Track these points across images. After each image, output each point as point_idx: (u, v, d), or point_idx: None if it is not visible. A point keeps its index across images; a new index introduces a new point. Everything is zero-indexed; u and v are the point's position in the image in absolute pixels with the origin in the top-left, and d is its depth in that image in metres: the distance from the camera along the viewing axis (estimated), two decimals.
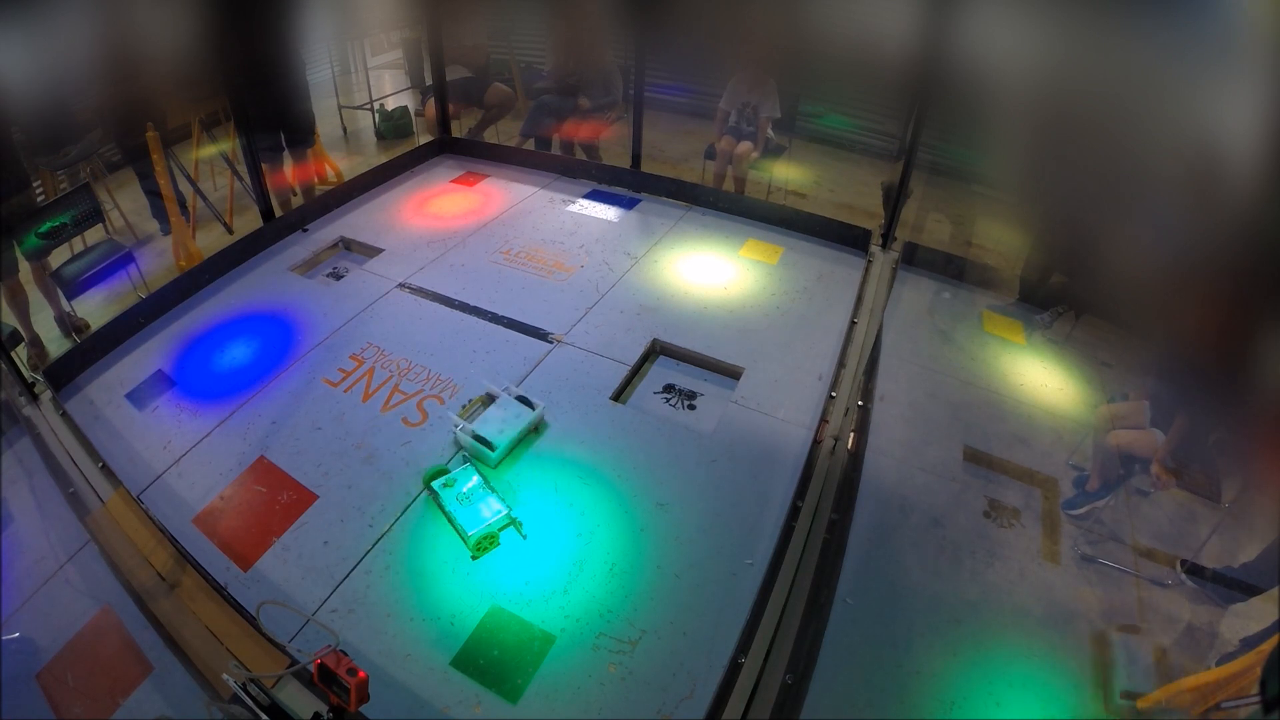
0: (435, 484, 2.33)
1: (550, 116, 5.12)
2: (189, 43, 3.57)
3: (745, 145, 4.58)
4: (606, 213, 4.24)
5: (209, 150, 4.96)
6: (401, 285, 3.49)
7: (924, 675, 1.93)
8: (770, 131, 4.63)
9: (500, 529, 2.23)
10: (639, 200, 4.41)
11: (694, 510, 2.34)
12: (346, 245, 3.93)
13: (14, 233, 3.41)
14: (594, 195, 4.45)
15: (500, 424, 2.53)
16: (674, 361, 3.10)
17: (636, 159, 4.47)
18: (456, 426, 2.52)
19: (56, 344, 3.62)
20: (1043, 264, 3.53)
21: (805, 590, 2.05)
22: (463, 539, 2.19)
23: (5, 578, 2.12)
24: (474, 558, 2.17)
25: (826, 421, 2.66)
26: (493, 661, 1.91)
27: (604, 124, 5.12)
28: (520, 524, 2.26)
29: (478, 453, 2.47)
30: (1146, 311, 2.61)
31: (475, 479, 2.34)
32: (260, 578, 2.12)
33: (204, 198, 4.66)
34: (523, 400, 2.63)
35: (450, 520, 2.25)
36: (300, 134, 4.65)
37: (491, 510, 2.24)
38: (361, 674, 1.42)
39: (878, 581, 2.17)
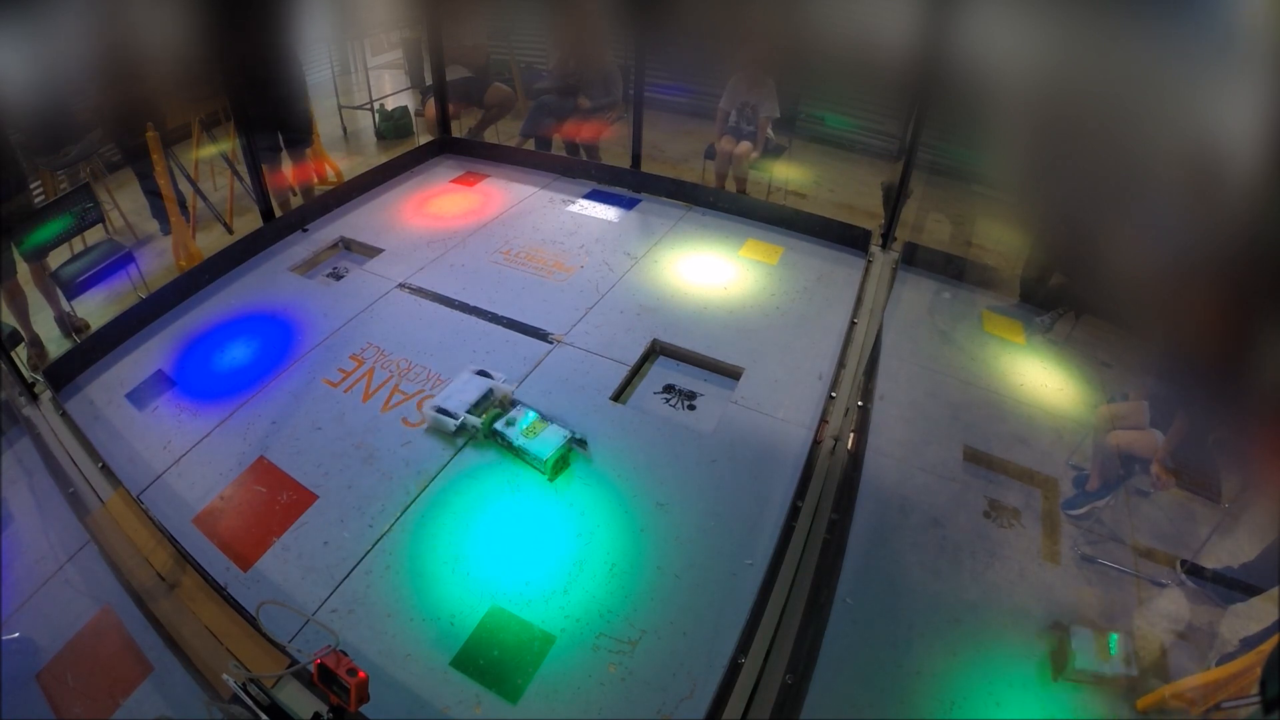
0: (497, 425, 2.49)
1: (550, 116, 5.12)
2: (189, 43, 3.57)
3: (745, 145, 4.58)
4: (606, 213, 4.24)
5: (209, 150, 4.96)
6: (401, 285, 3.49)
7: (924, 675, 1.93)
8: (770, 131, 4.63)
9: (568, 450, 2.47)
10: (639, 200, 4.41)
11: (694, 510, 2.34)
12: (346, 245, 3.93)
13: (12, 234, 3.41)
14: (594, 195, 4.45)
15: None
16: (674, 362, 3.10)
17: (636, 159, 4.47)
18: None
19: (56, 344, 3.62)
20: (1043, 264, 3.53)
21: (805, 590, 2.05)
22: (537, 467, 2.43)
23: (5, 578, 2.12)
24: (550, 479, 2.40)
25: (826, 421, 2.66)
26: (493, 661, 1.91)
27: (604, 124, 5.12)
28: (585, 443, 2.51)
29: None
30: (1146, 312, 2.60)
31: (533, 414, 2.56)
32: (260, 578, 2.12)
33: (204, 198, 4.66)
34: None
35: (520, 455, 2.47)
36: (298, 134, 4.65)
37: (556, 434, 2.49)
38: (361, 674, 1.42)
39: (878, 581, 2.17)
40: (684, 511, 2.34)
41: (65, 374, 2.87)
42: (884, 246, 3.82)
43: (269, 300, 3.38)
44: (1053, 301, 3.40)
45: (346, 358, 2.99)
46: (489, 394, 2.64)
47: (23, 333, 3.42)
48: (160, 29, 3.57)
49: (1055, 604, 2.14)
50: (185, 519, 2.30)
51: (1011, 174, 3.82)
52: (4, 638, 1.97)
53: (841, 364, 2.97)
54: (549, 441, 2.45)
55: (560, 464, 2.45)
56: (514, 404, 2.63)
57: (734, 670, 1.85)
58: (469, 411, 2.56)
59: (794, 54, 4.93)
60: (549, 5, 6.19)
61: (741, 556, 2.20)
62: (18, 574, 2.14)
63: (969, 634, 2.04)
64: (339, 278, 3.63)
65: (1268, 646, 1.69)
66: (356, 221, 4.11)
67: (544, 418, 2.55)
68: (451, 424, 2.55)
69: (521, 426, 2.50)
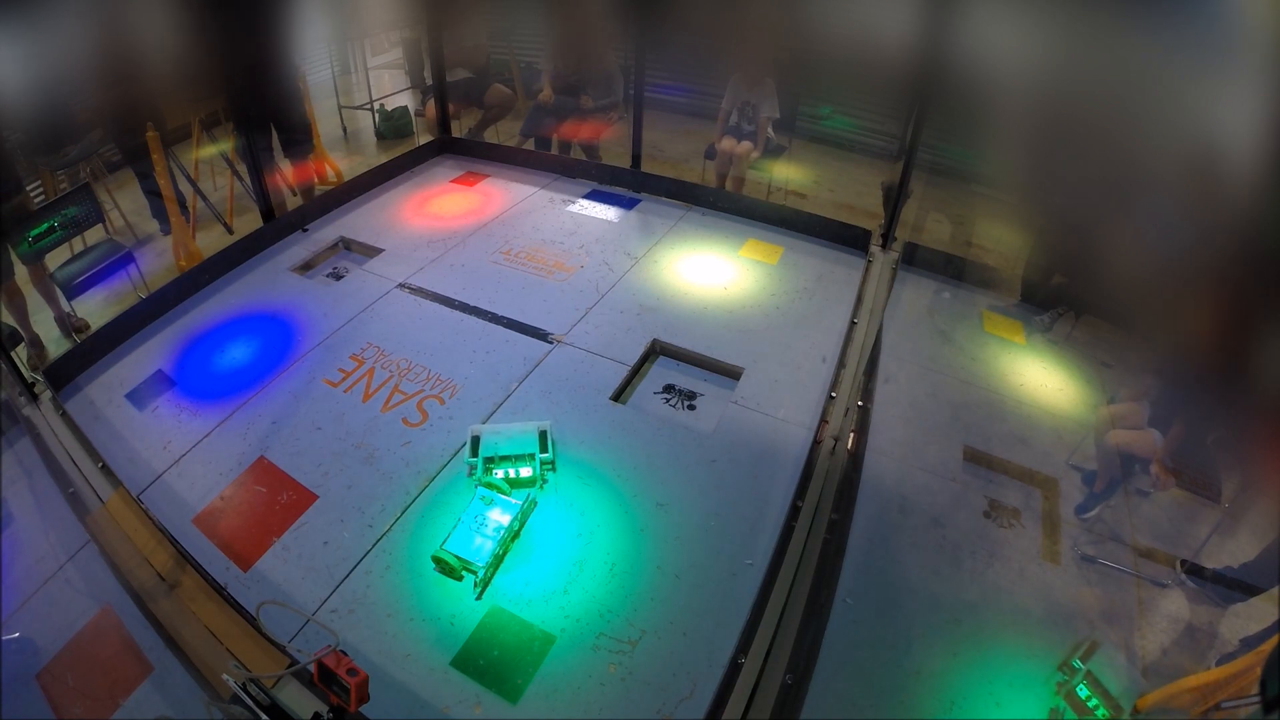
0: (481, 490, 2.28)
1: (550, 116, 5.12)
2: (189, 43, 3.57)
3: (745, 145, 4.58)
4: (606, 213, 4.24)
5: (209, 150, 4.96)
6: (401, 285, 3.49)
7: (924, 675, 1.93)
8: (770, 131, 4.63)
9: (465, 569, 2.11)
10: (639, 200, 4.41)
11: (694, 510, 2.34)
12: (346, 245, 3.93)
13: (8, 236, 3.40)
14: (594, 195, 4.45)
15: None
16: (674, 361, 3.10)
17: (636, 159, 4.47)
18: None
19: (56, 344, 3.62)
20: (1043, 264, 3.53)
21: (805, 590, 2.05)
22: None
23: (5, 578, 2.12)
24: (434, 569, 2.12)
25: (826, 421, 2.66)
26: (493, 661, 1.91)
27: (604, 124, 5.12)
28: (486, 586, 2.09)
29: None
30: (1146, 311, 2.61)
31: (509, 518, 2.20)
32: (260, 578, 2.12)
33: (204, 198, 4.66)
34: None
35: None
36: (295, 135, 4.65)
37: (481, 552, 2.11)
38: (361, 674, 1.42)
39: (878, 581, 2.17)
40: (684, 511, 2.34)
41: (65, 374, 2.87)
42: (884, 246, 3.82)
43: (269, 300, 3.38)
44: (1053, 301, 3.40)
45: (346, 358, 2.99)
46: (521, 459, 2.41)
47: (22, 333, 3.42)
48: (160, 28, 3.57)
49: (1055, 604, 2.14)
50: (185, 519, 2.30)
51: (1012, 174, 3.82)
52: (4, 638, 1.97)
53: (841, 364, 2.97)
54: (470, 548, 2.11)
55: (446, 569, 2.10)
56: (527, 489, 2.37)
57: (734, 670, 1.85)
58: (490, 456, 2.40)
59: (792, 54, 4.92)
60: (549, 5, 6.18)
61: (741, 556, 2.20)
62: (18, 574, 2.14)
63: (969, 634, 2.04)
64: (339, 278, 3.63)
65: (1268, 646, 1.69)
66: (356, 221, 4.11)
67: (510, 531, 2.19)
68: (466, 455, 2.45)
69: (483, 512, 2.22)
